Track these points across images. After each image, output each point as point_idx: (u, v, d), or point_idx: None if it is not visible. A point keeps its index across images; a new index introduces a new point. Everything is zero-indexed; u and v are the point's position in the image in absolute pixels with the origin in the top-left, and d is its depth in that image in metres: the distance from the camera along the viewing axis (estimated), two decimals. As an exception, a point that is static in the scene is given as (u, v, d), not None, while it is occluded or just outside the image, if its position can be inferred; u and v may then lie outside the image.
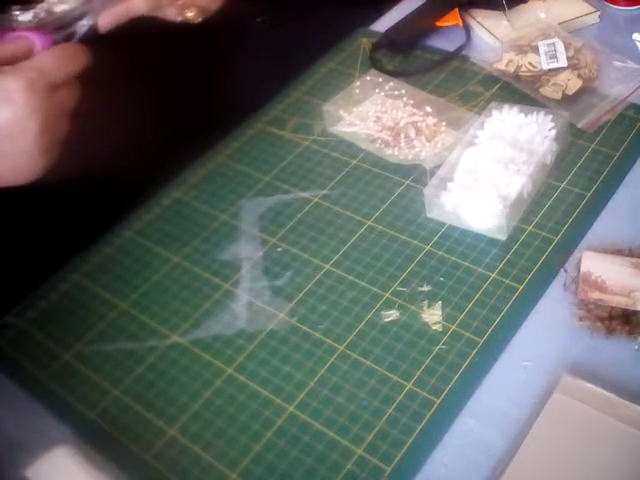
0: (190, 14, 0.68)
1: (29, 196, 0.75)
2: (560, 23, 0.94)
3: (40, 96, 0.52)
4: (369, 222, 0.76)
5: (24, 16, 0.60)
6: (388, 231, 0.74)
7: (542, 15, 0.97)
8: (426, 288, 0.69)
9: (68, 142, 0.56)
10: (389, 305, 0.68)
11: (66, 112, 0.55)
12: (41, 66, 0.53)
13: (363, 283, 0.70)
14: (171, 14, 0.68)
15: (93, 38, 0.62)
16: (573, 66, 0.87)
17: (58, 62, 0.54)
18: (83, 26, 0.62)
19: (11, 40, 0.57)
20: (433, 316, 0.66)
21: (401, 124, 0.84)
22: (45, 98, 0.52)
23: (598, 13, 0.97)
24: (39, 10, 0.61)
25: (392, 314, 0.67)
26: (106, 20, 0.63)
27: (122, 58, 0.70)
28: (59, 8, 0.61)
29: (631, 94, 0.84)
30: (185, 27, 0.71)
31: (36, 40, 0.57)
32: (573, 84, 0.85)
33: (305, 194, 0.80)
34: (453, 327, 0.65)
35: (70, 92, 0.55)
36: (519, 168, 0.73)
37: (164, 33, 0.70)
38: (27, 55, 0.56)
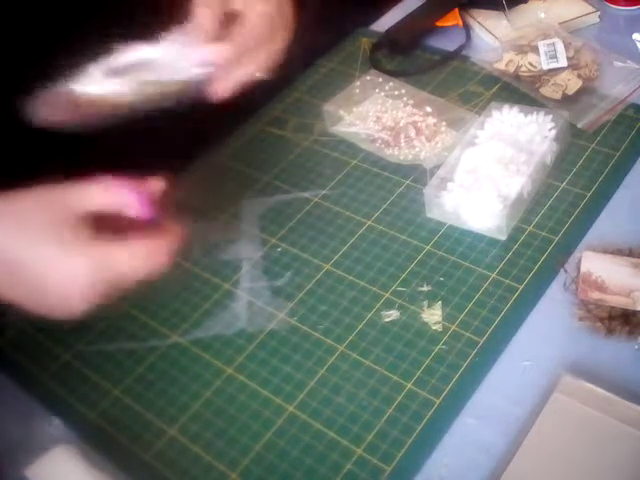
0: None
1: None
2: (560, 23, 0.94)
3: (99, 286, 0.52)
4: (369, 222, 0.76)
5: (110, 83, 0.56)
6: (388, 231, 0.74)
7: (542, 15, 0.97)
8: (426, 288, 0.69)
9: None
10: (389, 305, 0.68)
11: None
12: (116, 263, 0.52)
13: (363, 283, 0.70)
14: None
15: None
16: (573, 66, 0.87)
17: (136, 263, 0.53)
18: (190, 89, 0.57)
19: (111, 194, 0.54)
20: (433, 316, 0.66)
21: (401, 124, 0.84)
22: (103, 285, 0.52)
23: (598, 13, 0.97)
24: (132, 78, 0.56)
25: (392, 314, 0.67)
26: (221, 88, 0.61)
27: None
28: (153, 74, 0.57)
29: (631, 94, 0.84)
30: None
31: (134, 202, 0.54)
32: (573, 84, 0.85)
33: (305, 194, 0.80)
34: (453, 327, 0.65)
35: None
36: (519, 168, 0.73)
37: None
38: (119, 214, 0.55)
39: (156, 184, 0.57)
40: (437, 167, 0.76)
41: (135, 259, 0.53)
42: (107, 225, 0.54)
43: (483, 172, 0.73)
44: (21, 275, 0.52)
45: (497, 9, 0.98)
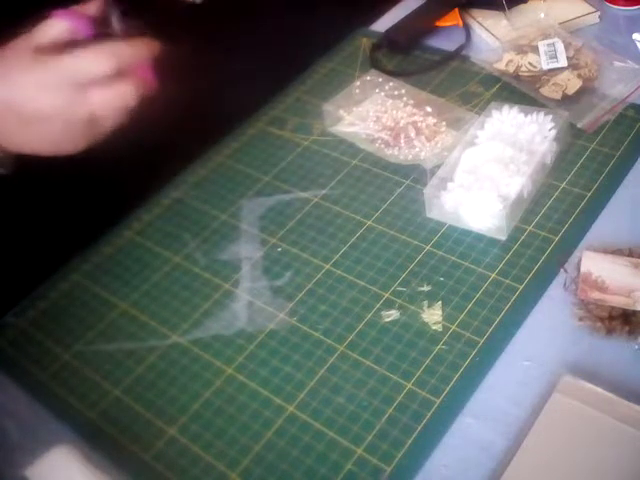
0: None
1: (29, 196, 0.75)
2: (560, 23, 0.94)
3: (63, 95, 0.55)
4: (369, 222, 0.76)
5: None
6: (388, 231, 0.74)
7: (542, 15, 0.97)
8: (426, 288, 0.69)
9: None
10: (389, 305, 0.68)
11: (99, 112, 0.57)
12: (74, 67, 0.55)
13: (363, 283, 0.70)
14: None
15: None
16: (573, 66, 0.87)
17: (93, 63, 0.56)
18: None
19: (53, 23, 0.57)
20: (433, 316, 0.66)
21: (401, 124, 0.84)
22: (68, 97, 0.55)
23: (598, 13, 0.97)
24: None
25: (392, 314, 0.67)
26: None
27: None
28: None
29: (631, 94, 0.84)
30: (185, 25, 0.71)
31: (79, 27, 0.58)
32: (573, 84, 0.85)
33: (305, 194, 0.80)
34: (453, 327, 0.65)
35: (105, 94, 0.57)
36: (519, 168, 0.73)
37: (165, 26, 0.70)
38: (68, 41, 0.57)
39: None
40: (437, 167, 0.76)
41: (99, 57, 0.56)
42: None
43: (483, 172, 0.73)
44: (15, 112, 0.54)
45: (497, 9, 0.98)
